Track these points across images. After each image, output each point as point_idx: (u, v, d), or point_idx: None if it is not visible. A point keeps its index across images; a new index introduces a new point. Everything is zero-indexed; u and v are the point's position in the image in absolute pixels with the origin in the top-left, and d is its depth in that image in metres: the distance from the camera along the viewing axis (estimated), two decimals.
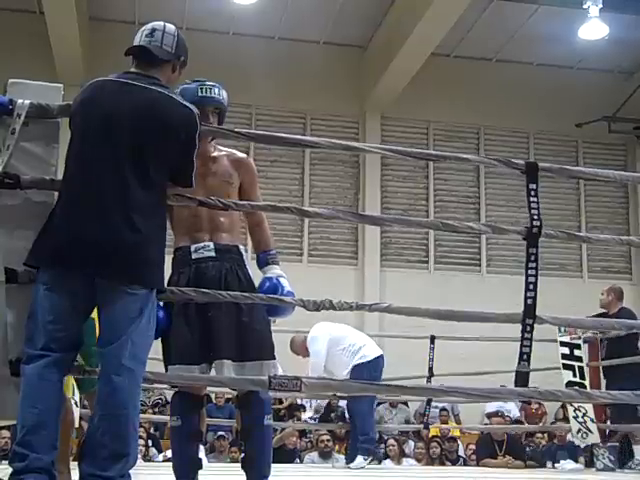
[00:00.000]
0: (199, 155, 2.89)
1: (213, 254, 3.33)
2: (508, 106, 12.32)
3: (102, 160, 2.65)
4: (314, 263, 11.70)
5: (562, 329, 6.93)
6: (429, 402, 8.01)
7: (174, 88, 2.98)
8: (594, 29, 10.84)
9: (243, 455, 3.37)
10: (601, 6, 10.27)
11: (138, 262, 2.64)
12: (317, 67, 11.88)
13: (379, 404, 10.25)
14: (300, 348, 6.60)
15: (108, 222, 2.61)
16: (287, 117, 11.97)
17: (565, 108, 12.39)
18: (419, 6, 9.90)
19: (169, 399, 4.05)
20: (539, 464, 8.39)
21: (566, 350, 7.00)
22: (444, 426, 9.68)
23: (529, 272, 3.24)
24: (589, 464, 7.44)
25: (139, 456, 5.96)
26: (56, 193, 2.77)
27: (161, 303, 3.03)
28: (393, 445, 8.86)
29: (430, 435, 8.94)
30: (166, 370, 3.28)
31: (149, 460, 7.89)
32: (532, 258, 3.25)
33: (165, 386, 5.23)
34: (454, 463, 8.89)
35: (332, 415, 9.18)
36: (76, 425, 3.75)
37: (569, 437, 7.98)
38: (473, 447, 8.94)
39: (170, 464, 3.46)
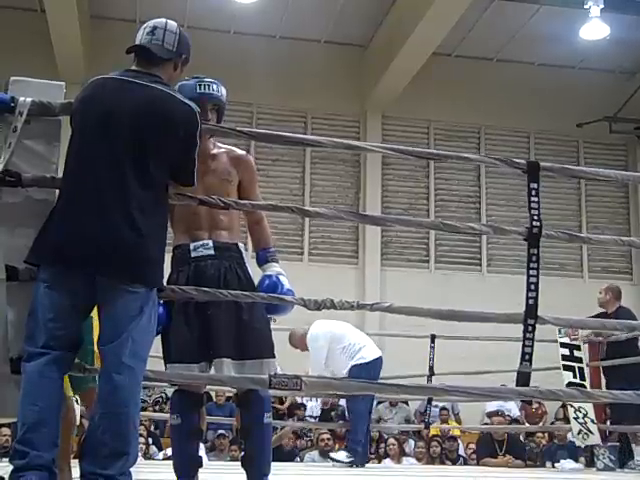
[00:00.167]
0: (198, 153, 2.89)
1: (212, 252, 3.33)
2: (509, 106, 12.32)
3: (101, 157, 2.65)
4: (315, 262, 11.70)
5: (561, 330, 6.93)
6: (430, 401, 8.01)
7: (173, 85, 2.97)
8: (595, 29, 10.84)
9: (243, 453, 3.37)
10: (602, 6, 10.27)
11: (139, 260, 2.64)
12: (318, 66, 11.88)
13: (379, 403, 10.26)
14: (299, 342, 6.58)
15: (108, 220, 2.61)
16: (288, 116, 11.97)
17: (566, 108, 12.39)
18: (420, 5, 9.89)
19: (170, 396, 4.05)
20: (539, 464, 8.40)
21: (566, 351, 6.99)
22: (444, 425, 9.69)
23: (530, 272, 3.23)
24: (589, 464, 7.44)
25: (139, 454, 5.94)
26: (57, 191, 2.77)
27: (161, 300, 3.04)
28: (393, 444, 8.87)
29: (430, 434, 8.94)
30: (165, 368, 3.28)
31: (149, 458, 7.89)
32: (533, 259, 3.25)
33: (166, 384, 5.23)
34: (454, 462, 8.89)
35: (332, 414, 9.18)
36: (77, 423, 3.75)
37: (569, 437, 7.98)
38: (473, 446, 8.95)
39: (170, 462, 3.46)
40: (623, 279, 12.07)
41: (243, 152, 3.56)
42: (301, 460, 8.53)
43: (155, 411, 9.02)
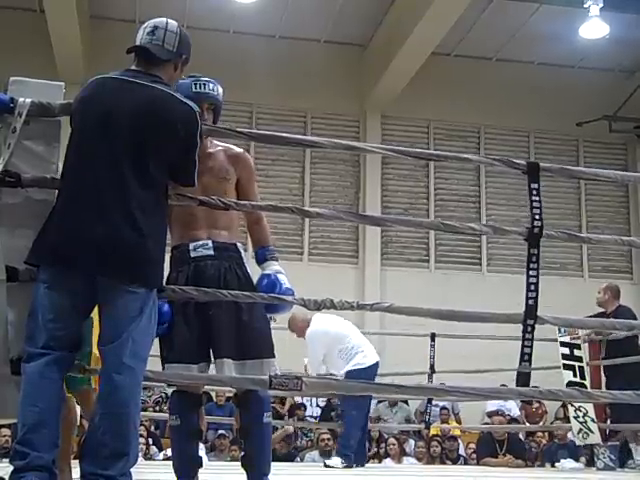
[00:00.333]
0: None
1: (212, 252, 3.32)
2: (508, 105, 12.32)
3: (101, 157, 2.65)
4: (314, 262, 11.70)
5: (562, 329, 6.93)
6: (430, 401, 8.02)
7: (173, 85, 2.96)
8: (595, 28, 10.84)
9: (243, 453, 3.37)
10: (602, 5, 10.27)
11: (139, 261, 2.64)
12: (318, 66, 11.88)
13: (379, 402, 10.26)
14: (298, 328, 6.49)
15: (108, 219, 2.60)
16: (287, 116, 11.97)
17: (566, 107, 12.39)
18: (420, 5, 9.89)
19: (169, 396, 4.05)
20: (540, 463, 8.40)
21: (566, 350, 7.00)
22: (445, 425, 9.68)
23: (530, 272, 3.23)
24: (590, 463, 7.44)
25: (140, 455, 5.95)
26: (57, 192, 2.77)
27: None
28: (394, 444, 8.87)
29: (431, 434, 8.94)
30: (163, 368, 3.28)
31: (150, 458, 7.89)
32: (533, 259, 3.24)
33: (165, 384, 5.23)
34: (455, 462, 8.89)
35: (332, 414, 9.18)
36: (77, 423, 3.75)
37: (569, 436, 7.99)
38: (473, 446, 8.95)
39: (171, 462, 3.46)
40: (623, 278, 12.07)
41: (240, 150, 3.54)
42: (301, 460, 8.53)
43: (155, 411, 9.03)
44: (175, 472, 3.35)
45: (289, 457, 8.36)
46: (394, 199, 12.22)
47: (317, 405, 10.01)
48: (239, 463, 3.37)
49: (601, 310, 7.10)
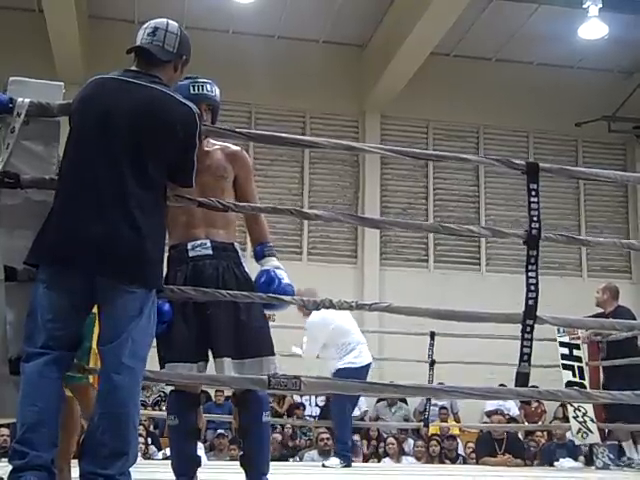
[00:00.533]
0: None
1: (210, 252, 3.32)
2: (508, 105, 12.32)
3: (100, 157, 2.65)
4: (314, 262, 11.69)
5: (561, 329, 6.94)
6: (429, 400, 8.02)
7: (173, 86, 2.96)
8: (594, 29, 10.84)
9: (242, 453, 3.37)
10: (601, 6, 10.26)
11: (139, 261, 2.64)
12: (316, 66, 11.88)
13: (378, 401, 10.28)
14: (302, 310, 6.36)
15: (107, 218, 2.60)
16: (286, 116, 11.96)
17: (565, 107, 12.39)
18: (418, 5, 9.89)
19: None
20: (538, 462, 8.40)
21: (565, 350, 7.00)
22: (444, 424, 9.69)
23: (529, 274, 3.23)
24: (588, 462, 7.45)
25: (139, 454, 5.95)
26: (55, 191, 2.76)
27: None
28: (392, 443, 8.88)
29: (430, 433, 8.94)
30: (161, 368, 3.28)
31: (149, 458, 7.90)
32: (532, 260, 3.24)
33: (163, 383, 5.23)
34: (454, 461, 8.90)
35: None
36: None
37: (568, 435, 7.99)
38: (472, 445, 8.95)
39: (169, 462, 3.46)
40: (622, 278, 12.08)
41: (238, 148, 3.54)
42: (300, 459, 8.54)
43: (154, 410, 9.03)
44: (174, 471, 3.35)
45: (282, 458, 8.36)
46: (393, 199, 12.22)
47: (316, 404, 10.02)
48: (238, 462, 3.37)
49: (600, 310, 7.10)
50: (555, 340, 7.01)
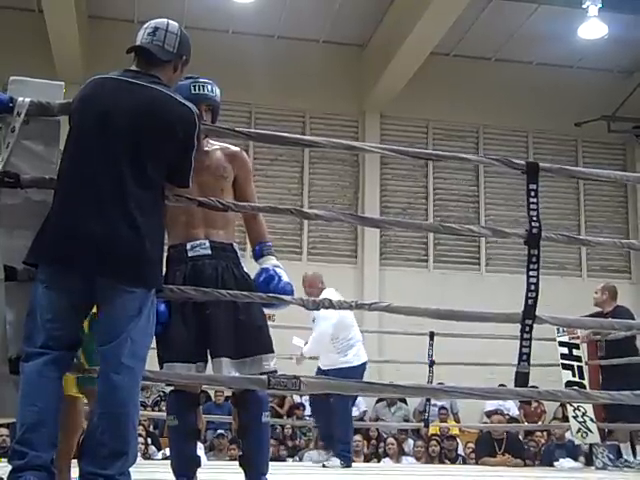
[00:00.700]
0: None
1: (209, 252, 3.33)
2: (507, 105, 12.32)
3: (99, 156, 2.65)
4: (313, 262, 11.66)
5: (561, 329, 6.94)
6: (429, 400, 8.02)
7: (173, 86, 2.96)
8: (593, 28, 10.85)
9: (241, 453, 3.37)
10: (600, 5, 10.27)
11: (138, 261, 2.64)
12: (316, 66, 11.88)
13: (378, 401, 10.27)
14: (318, 288, 6.24)
15: (106, 218, 2.60)
16: (286, 116, 11.96)
17: (564, 107, 12.39)
18: (418, 5, 9.89)
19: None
20: (538, 462, 8.40)
21: (565, 350, 7.00)
22: (443, 424, 9.69)
23: (530, 273, 3.22)
24: (588, 462, 7.45)
25: (138, 454, 5.95)
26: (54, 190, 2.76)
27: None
28: (392, 443, 8.88)
29: (429, 433, 8.94)
30: (161, 368, 3.28)
31: (148, 458, 7.90)
32: (533, 259, 3.24)
33: (163, 383, 5.21)
34: (453, 461, 8.90)
35: None
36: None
37: (567, 435, 7.99)
38: (472, 445, 8.95)
39: (169, 462, 3.46)
40: (622, 278, 12.09)
41: (237, 148, 3.55)
42: (300, 460, 8.53)
43: (154, 411, 9.02)
44: (173, 472, 3.35)
45: (279, 459, 8.36)
46: (393, 199, 12.22)
47: None
48: (237, 462, 3.37)
49: (597, 310, 7.10)
50: (554, 340, 7.01)
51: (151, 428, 8.89)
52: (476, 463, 8.35)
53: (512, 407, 10.54)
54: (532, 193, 3.30)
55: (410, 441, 9.37)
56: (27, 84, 2.93)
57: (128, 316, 2.62)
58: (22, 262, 2.70)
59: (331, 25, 11.56)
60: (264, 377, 3.02)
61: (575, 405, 6.86)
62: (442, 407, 10.09)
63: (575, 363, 6.91)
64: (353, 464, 6.60)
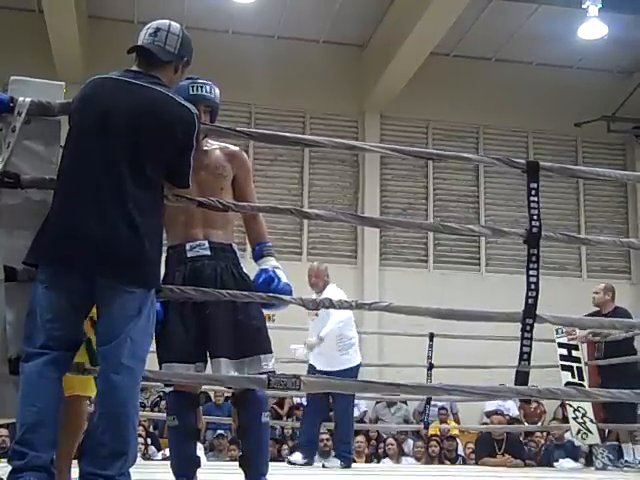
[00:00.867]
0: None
1: (208, 252, 3.32)
2: (507, 105, 12.33)
3: (98, 156, 2.65)
4: (313, 262, 11.67)
5: (559, 330, 6.94)
6: (428, 401, 8.01)
7: (174, 87, 2.96)
8: (593, 29, 10.87)
9: (241, 453, 3.37)
10: (600, 6, 10.28)
11: (138, 261, 2.64)
12: (316, 66, 11.88)
13: (377, 402, 10.27)
14: (323, 281, 6.38)
15: (105, 218, 2.60)
16: (286, 116, 11.96)
17: (564, 107, 12.40)
18: (418, 5, 9.90)
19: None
20: (538, 463, 8.40)
21: (564, 351, 7.00)
22: (443, 425, 9.69)
23: (530, 272, 3.22)
24: (588, 463, 7.44)
25: (138, 454, 5.95)
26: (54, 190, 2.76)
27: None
28: (392, 444, 8.88)
29: (429, 434, 8.94)
30: (160, 368, 3.28)
31: (148, 458, 7.89)
32: (533, 259, 3.24)
33: (162, 384, 5.20)
34: (453, 462, 8.90)
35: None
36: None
37: (567, 436, 7.99)
38: (472, 446, 8.95)
39: (169, 462, 3.46)
40: (621, 278, 12.10)
41: (236, 148, 3.55)
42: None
43: (154, 411, 9.02)
44: (173, 472, 3.35)
45: (279, 459, 8.34)
46: (393, 199, 12.22)
47: None
48: (237, 463, 3.37)
49: (596, 309, 7.10)
50: (553, 341, 7.00)
51: (151, 428, 8.89)
52: (476, 463, 8.35)
53: (512, 407, 10.54)
54: (533, 192, 3.30)
55: (410, 441, 9.36)
56: (28, 84, 2.92)
57: (128, 316, 2.62)
58: (22, 262, 2.70)
59: (331, 25, 11.56)
60: (264, 377, 3.02)
61: (575, 406, 6.86)
62: (442, 407, 10.08)
63: (574, 364, 6.90)
64: (353, 464, 6.60)
